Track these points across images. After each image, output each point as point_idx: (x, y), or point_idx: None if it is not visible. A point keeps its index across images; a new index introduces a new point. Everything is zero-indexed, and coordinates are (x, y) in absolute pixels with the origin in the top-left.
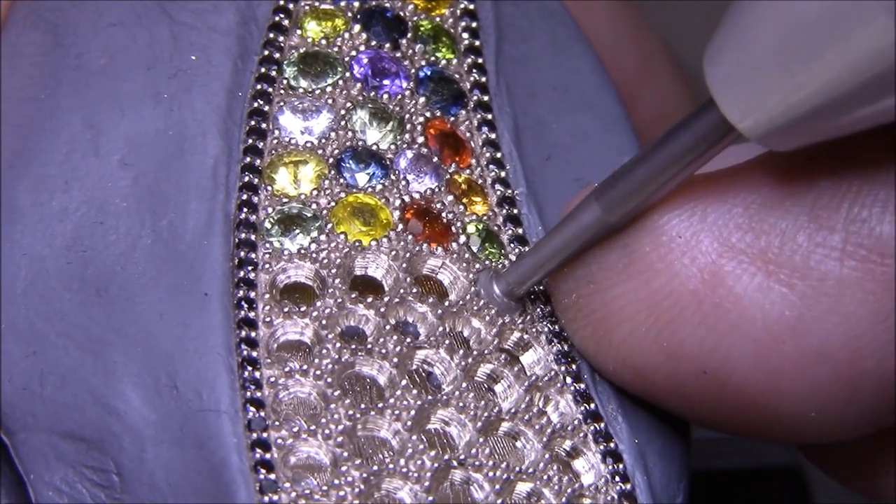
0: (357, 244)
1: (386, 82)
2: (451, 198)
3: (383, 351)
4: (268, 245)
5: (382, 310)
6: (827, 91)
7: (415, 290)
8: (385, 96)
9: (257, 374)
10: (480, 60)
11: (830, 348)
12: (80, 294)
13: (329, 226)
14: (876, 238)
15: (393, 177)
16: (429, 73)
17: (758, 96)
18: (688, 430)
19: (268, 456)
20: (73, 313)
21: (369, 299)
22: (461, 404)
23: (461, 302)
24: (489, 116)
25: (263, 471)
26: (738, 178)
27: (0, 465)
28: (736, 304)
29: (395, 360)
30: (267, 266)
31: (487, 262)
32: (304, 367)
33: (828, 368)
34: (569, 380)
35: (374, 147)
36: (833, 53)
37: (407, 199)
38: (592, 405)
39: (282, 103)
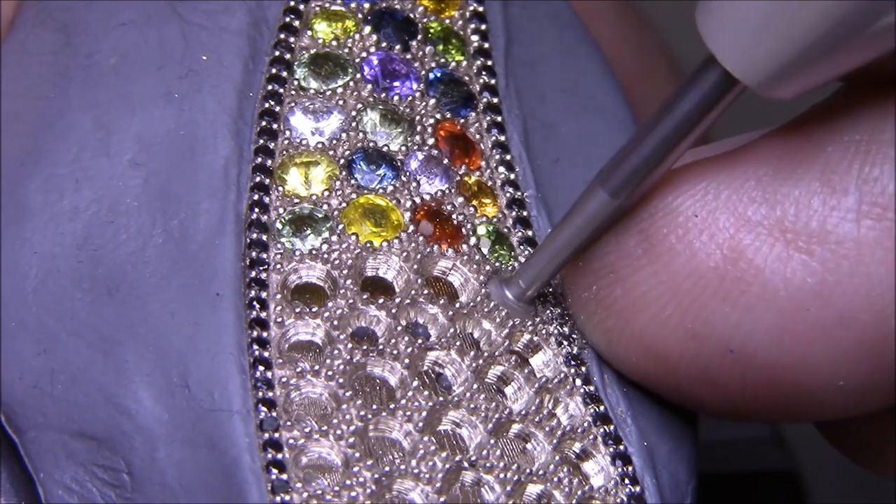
0: (368, 245)
1: (396, 84)
2: (461, 199)
3: (394, 352)
4: (279, 245)
5: (394, 311)
6: (823, 20)
7: (426, 292)
8: (395, 98)
9: (269, 374)
10: (490, 63)
11: (854, 311)
12: (91, 293)
13: (340, 227)
14: (889, 195)
15: (404, 178)
16: (439, 74)
17: (756, 39)
18: (695, 433)
19: (279, 456)
20: (84, 312)
21: (381, 300)
22: (472, 406)
23: (472, 304)
24: (499, 119)
25: (275, 471)
26: (746, 154)
27: (2, 463)
28: (758, 277)
29: (407, 361)
30: (278, 266)
31: (497, 264)
32: (316, 367)
33: (853, 333)
34: (578, 382)
35: (385, 148)
36: None
37: (418, 200)
38: (602, 407)
39: (293, 104)
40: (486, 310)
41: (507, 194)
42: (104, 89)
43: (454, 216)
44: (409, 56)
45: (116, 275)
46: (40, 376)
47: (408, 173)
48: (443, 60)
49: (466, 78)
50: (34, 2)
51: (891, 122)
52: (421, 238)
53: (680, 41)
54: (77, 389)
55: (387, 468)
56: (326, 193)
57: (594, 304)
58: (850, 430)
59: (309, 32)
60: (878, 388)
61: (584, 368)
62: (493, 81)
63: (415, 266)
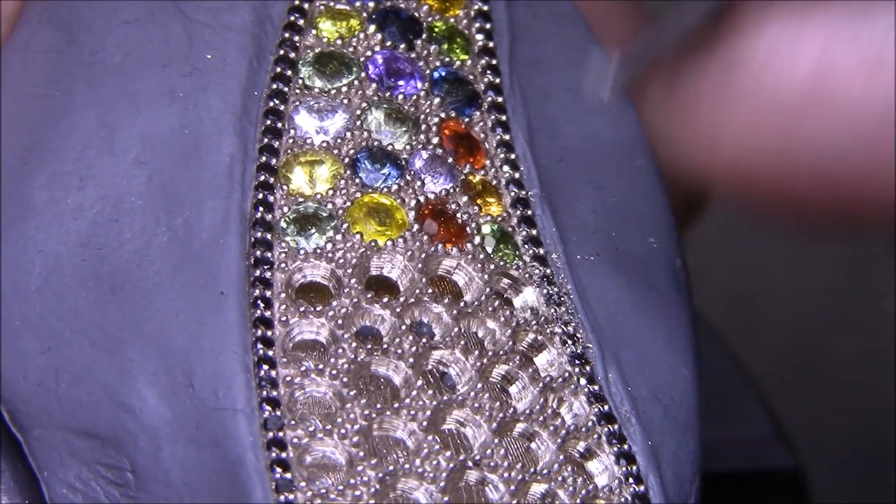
0: (373, 244)
1: (401, 83)
2: (465, 198)
3: (399, 351)
4: (283, 244)
5: (398, 310)
6: None
7: (430, 291)
8: (400, 97)
9: (273, 373)
10: (494, 62)
11: None
12: (96, 291)
13: (345, 226)
14: None
15: (408, 177)
16: (443, 73)
17: None
18: (699, 432)
19: (284, 455)
20: (89, 311)
21: (385, 299)
22: (476, 405)
23: (476, 303)
24: (503, 118)
25: (279, 470)
26: None
27: (5, 462)
28: (849, 93)
29: (411, 360)
30: (283, 265)
31: (502, 264)
32: (320, 366)
33: None
34: (583, 381)
35: (390, 147)
36: None
37: (422, 199)
38: (606, 406)
39: (297, 103)
40: (490, 309)
41: (512, 193)
42: (108, 87)
43: (458, 215)
44: (413, 55)
45: (121, 273)
46: (45, 374)
47: (412, 172)
48: (447, 59)
49: (471, 77)
50: (39, 1)
51: None
52: (425, 237)
53: None
54: (81, 388)
55: (391, 467)
56: (331, 192)
57: (677, 122)
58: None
59: (313, 31)
60: None
61: (588, 367)
62: (497, 80)
63: (419, 265)
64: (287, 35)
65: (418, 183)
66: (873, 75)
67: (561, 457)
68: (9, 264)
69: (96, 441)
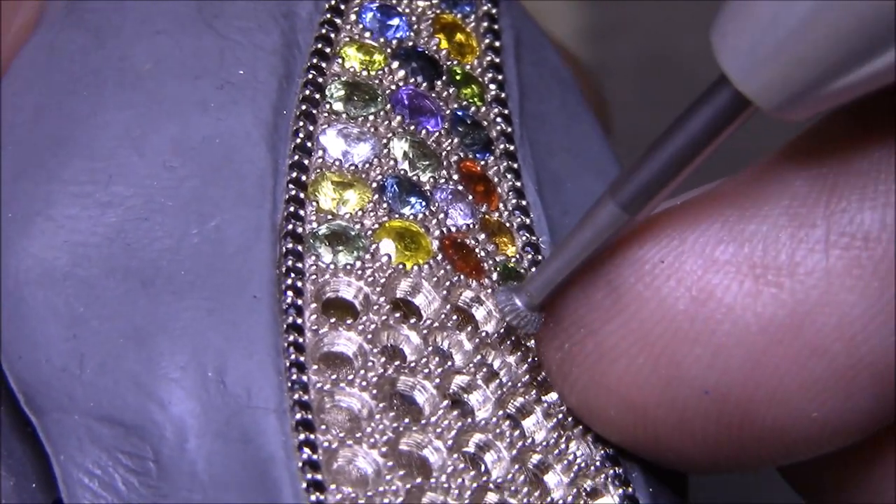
0: (401, 267)
1: (423, 119)
2: (483, 236)
3: (426, 371)
4: (313, 257)
5: (424, 332)
6: (837, 48)
7: (454, 318)
8: (423, 132)
9: (304, 378)
10: (506, 112)
11: (825, 341)
12: (125, 284)
13: (373, 246)
14: (857, 225)
15: (433, 208)
16: (461, 115)
17: (771, 62)
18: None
19: (315, 457)
20: (117, 301)
21: (412, 320)
22: (498, 431)
23: (496, 335)
24: (515, 165)
25: (310, 470)
26: (711, 198)
27: (15, 444)
28: (728, 314)
29: (437, 380)
30: (313, 277)
31: None
32: (350, 377)
33: (825, 362)
34: None
35: (415, 178)
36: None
37: (445, 230)
38: (610, 450)
39: (325, 125)
40: (509, 343)
41: (523, 237)
42: (139, 92)
43: (477, 250)
44: (433, 94)
45: (150, 269)
46: (69, 359)
47: (436, 204)
48: (465, 103)
49: (485, 123)
50: (62, 3)
51: (857, 155)
52: (448, 266)
53: (676, 39)
54: (108, 375)
55: (418, 480)
56: (360, 213)
57: (568, 362)
58: (814, 475)
59: (339, 60)
60: (850, 418)
61: None
62: (509, 129)
63: (444, 292)
64: (315, 61)
65: (441, 215)
66: (755, 288)
67: (574, 491)
68: (34, 252)
69: (119, 428)
